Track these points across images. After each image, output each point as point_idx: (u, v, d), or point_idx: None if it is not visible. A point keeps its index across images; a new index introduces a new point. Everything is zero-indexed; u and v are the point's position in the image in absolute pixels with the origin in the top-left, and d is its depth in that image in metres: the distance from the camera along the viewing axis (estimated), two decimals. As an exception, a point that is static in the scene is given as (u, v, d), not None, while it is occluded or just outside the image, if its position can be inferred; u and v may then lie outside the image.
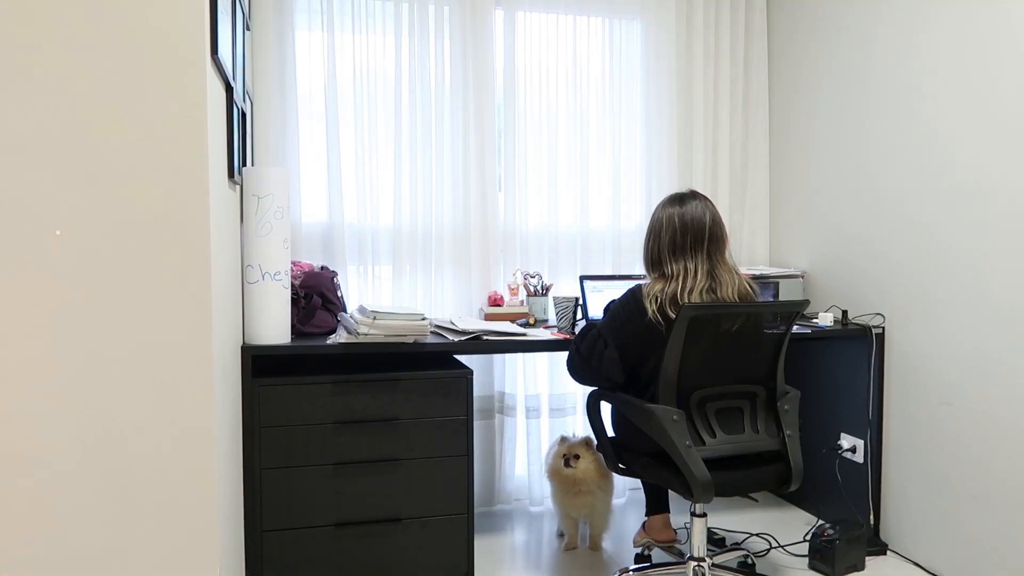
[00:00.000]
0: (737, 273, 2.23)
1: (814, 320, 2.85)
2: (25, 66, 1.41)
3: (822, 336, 2.73)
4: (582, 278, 2.88)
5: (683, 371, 2.08)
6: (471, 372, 2.42)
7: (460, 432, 2.41)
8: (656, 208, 2.32)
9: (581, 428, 3.15)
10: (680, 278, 2.16)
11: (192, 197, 1.49)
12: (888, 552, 2.69)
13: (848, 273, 2.91)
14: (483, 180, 3.05)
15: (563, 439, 2.72)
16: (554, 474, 2.69)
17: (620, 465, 2.30)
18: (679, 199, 2.28)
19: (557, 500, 2.73)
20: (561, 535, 2.86)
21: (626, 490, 3.30)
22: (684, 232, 2.20)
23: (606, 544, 2.80)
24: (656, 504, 2.68)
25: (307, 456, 2.30)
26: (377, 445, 2.35)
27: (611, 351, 2.18)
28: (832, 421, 2.91)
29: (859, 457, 2.76)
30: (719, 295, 2.17)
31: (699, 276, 2.16)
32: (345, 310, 2.62)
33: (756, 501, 3.23)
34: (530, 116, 3.14)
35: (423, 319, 2.33)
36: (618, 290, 2.84)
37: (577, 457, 2.63)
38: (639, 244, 3.27)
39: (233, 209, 2.05)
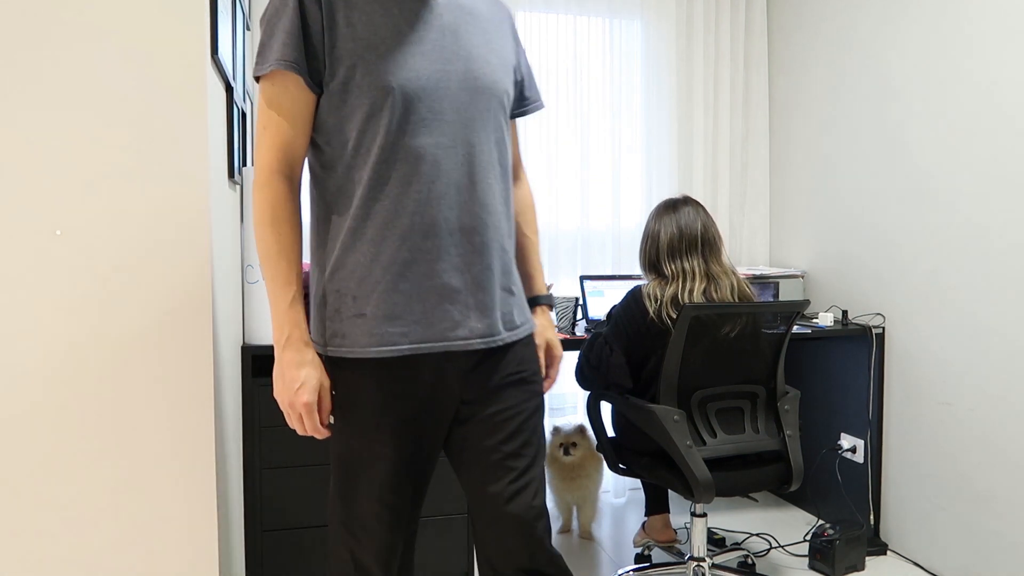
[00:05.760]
0: (735, 274, 2.26)
1: (814, 320, 2.85)
2: (25, 66, 1.41)
3: (822, 336, 2.73)
4: (582, 278, 2.88)
5: (684, 371, 2.08)
6: (471, 372, 2.42)
7: (460, 432, 2.41)
8: (650, 216, 2.37)
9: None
10: (679, 279, 2.19)
11: (192, 197, 1.49)
12: (888, 552, 2.69)
13: (848, 273, 2.91)
14: (483, 180, 3.05)
15: (556, 429, 2.80)
16: (551, 462, 2.78)
17: (620, 465, 2.30)
18: (672, 206, 2.32)
19: (553, 486, 2.84)
20: (560, 531, 2.89)
21: (626, 490, 3.30)
22: (680, 237, 2.24)
23: (605, 542, 2.80)
24: (656, 504, 2.68)
25: (307, 456, 2.30)
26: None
27: (617, 356, 2.19)
28: (832, 421, 2.91)
29: (859, 457, 2.76)
30: (718, 296, 2.19)
31: (697, 277, 2.19)
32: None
33: (756, 501, 3.23)
34: (530, 116, 3.13)
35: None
36: (617, 290, 2.85)
37: (575, 445, 2.73)
38: (639, 244, 3.27)
39: (233, 209, 2.05)
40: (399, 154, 1.27)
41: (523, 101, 1.51)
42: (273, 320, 1.27)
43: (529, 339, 1.44)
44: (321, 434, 1.30)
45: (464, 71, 1.31)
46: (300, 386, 1.25)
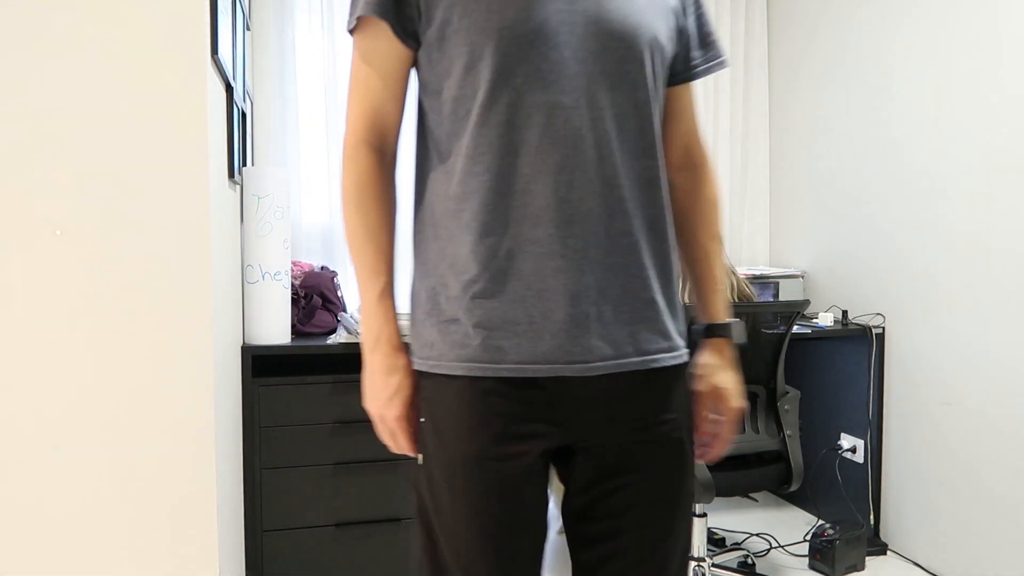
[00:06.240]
0: (735, 274, 2.26)
1: (814, 320, 2.85)
2: (24, 66, 1.41)
3: (822, 336, 2.73)
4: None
5: (683, 371, 2.08)
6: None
7: (460, 432, 2.41)
8: None
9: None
10: (678, 279, 2.20)
11: (192, 197, 1.49)
12: (888, 552, 2.69)
13: (848, 273, 2.91)
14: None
15: None
16: None
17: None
18: None
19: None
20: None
21: (626, 490, 3.30)
22: None
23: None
24: (656, 504, 2.68)
25: (307, 456, 2.30)
26: (377, 445, 2.35)
27: None
28: (832, 421, 2.90)
29: (859, 457, 2.76)
30: None
31: None
32: (345, 310, 2.62)
33: (756, 501, 3.22)
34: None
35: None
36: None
37: None
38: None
39: (233, 209, 2.04)
40: (503, 115, 0.98)
41: (690, 60, 1.15)
42: (361, 315, 1.06)
43: (679, 371, 1.10)
44: (415, 452, 1.08)
45: (597, 12, 1.00)
46: (391, 396, 1.04)
